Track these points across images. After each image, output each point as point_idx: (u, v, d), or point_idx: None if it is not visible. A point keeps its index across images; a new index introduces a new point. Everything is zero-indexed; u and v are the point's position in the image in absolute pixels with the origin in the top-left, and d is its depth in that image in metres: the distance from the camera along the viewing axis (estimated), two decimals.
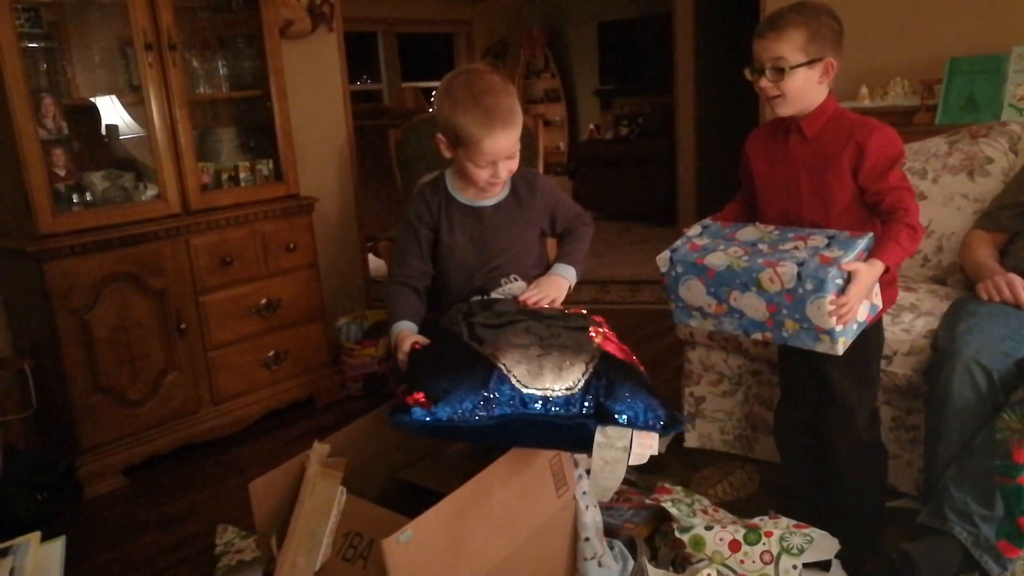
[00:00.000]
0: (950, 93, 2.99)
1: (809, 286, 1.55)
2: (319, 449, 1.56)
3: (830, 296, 1.54)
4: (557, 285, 1.73)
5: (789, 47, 1.66)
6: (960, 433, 1.79)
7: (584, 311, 1.68)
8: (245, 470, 2.68)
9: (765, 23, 1.72)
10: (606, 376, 1.45)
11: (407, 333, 1.65)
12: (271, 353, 3.00)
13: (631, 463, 1.44)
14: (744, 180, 1.94)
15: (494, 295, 1.73)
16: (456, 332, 1.54)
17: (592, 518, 1.65)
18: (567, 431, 1.44)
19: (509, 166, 1.65)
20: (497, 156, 1.60)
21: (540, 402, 1.41)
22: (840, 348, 1.61)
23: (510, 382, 1.41)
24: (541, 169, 3.35)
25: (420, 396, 1.39)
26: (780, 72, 1.67)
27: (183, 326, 2.73)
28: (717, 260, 1.67)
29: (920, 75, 3.26)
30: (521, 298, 1.68)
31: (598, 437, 1.44)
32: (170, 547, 2.26)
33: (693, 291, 1.72)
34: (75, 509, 2.49)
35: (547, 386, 1.42)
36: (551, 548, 1.58)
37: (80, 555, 2.24)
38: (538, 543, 1.53)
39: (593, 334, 1.55)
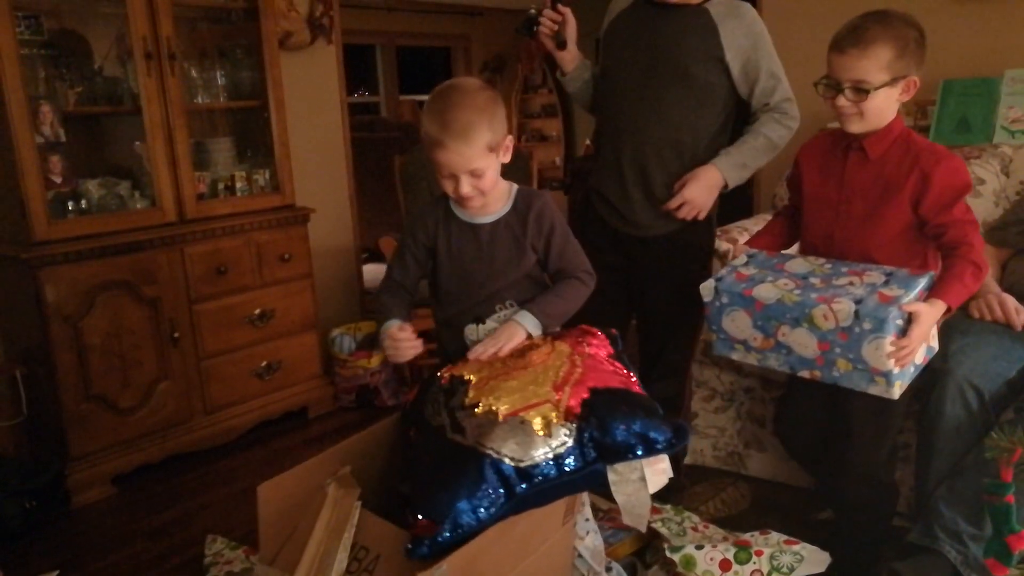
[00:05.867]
0: (943, 115, 3.01)
1: (867, 325, 1.46)
2: (341, 472, 1.55)
3: (890, 337, 1.45)
4: (510, 335, 1.60)
5: (874, 66, 1.53)
6: (951, 452, 1.80)
7: (563, 339, 1.59)
8: (236, 480, 2.67)
9: (847, 37, 1.55)
10: (594, 414, 1.36)
11: (393, 325, 1.65)
12: (264, 363, 2.99)
13: (652, 491, 1.38)
14: (792, 191, 1.85)
15: (489, 322, 1.66)
16: (439, 426, 1.46)
17: (592, 542, 1.63)
18: (582, 480, 1.38)
19: (476, 184, 1.55)
20: (452, 169, 1.52)
21: (542, 467, 1.33)
22: (896, 392, 1.52)
23: (505, 463, 1.32)
24: (535, 185, 3.37)
25: (424, 523, 1.31)
26: (862, 92, 1.55)
27: (176, 335, 2.72)
28: (767, 292, 1.58)
29: (913, 96, 3.29)
30: (470, 355, 1.58)
31: (611, 476, 1.37)
32: (159, 557, 2.24)
33: (738, 323, 1.64)
34: (63, 517, 2.47)
35: (542, 450, 1.33)
36: (550, 570, 1.56)
37: (68, 564, 2.22)
38: (538, 565, 1.51)
39: (571, 366, 1.48)
